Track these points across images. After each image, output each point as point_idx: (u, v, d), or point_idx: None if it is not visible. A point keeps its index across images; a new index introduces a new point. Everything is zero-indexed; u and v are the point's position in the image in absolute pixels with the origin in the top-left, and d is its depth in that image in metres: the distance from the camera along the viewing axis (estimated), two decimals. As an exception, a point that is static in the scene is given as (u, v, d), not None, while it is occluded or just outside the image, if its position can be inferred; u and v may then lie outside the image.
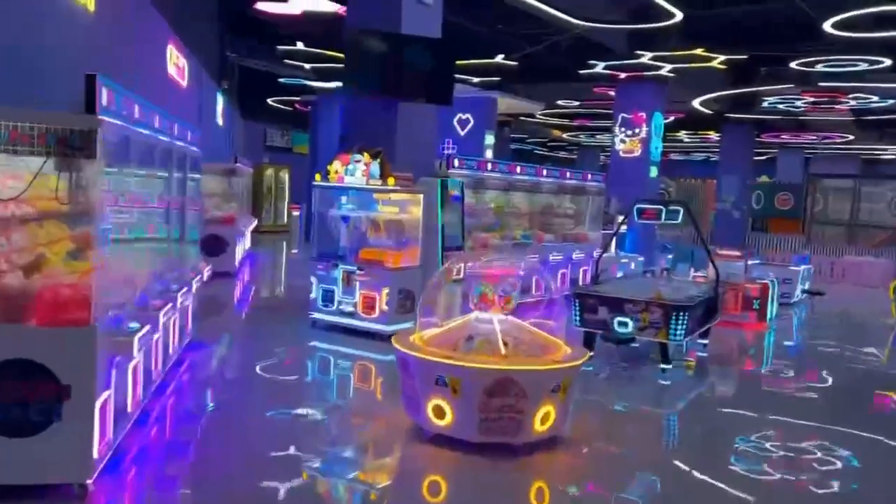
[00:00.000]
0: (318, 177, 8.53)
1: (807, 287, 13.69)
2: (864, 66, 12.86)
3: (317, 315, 8.59)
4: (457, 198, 9.02)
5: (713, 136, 25.80)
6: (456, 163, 9.55)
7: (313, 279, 8.59)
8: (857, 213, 25.71)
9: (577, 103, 19.88)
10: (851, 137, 24.27)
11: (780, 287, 12.22)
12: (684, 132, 26.93)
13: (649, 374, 7.64)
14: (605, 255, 14.94)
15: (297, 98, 21.75)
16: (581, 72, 14.81)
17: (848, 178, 26.63)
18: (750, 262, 14.03)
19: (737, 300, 10.70)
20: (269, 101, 22.90)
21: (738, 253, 10.70)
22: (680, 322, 7.28)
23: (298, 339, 8.33)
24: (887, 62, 12.43)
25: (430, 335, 5.21)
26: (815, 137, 25.06)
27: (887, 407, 7.66)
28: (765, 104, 17.98)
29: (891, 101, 16.41)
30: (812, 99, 16.74)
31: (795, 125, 22.23)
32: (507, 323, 5.19)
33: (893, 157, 28.20)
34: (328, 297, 8.45)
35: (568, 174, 12.51)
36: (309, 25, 12.24)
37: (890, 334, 11.54)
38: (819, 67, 13.14)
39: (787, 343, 10.89)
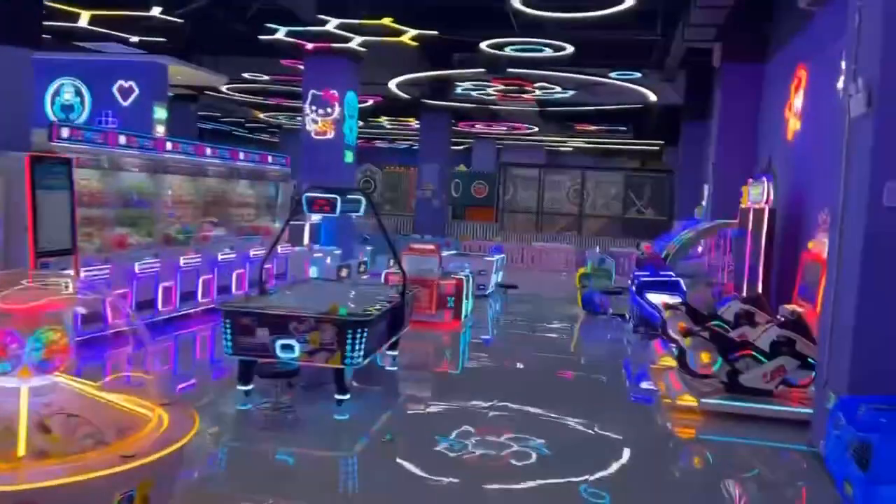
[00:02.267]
0: None
1: (500, 280, 13.35)
2: (548, 52, 12.77)
3: None
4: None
5: (414, 123, 25.48)
6: (65, 133, 6.96)
7: None
8: (543, 202, 27.40)
9: (266, 78, 17.78)
10: (536, 129, 25.57)
11: (475, 280, 11.58)
12: (386, 118, 26.28)
13: (324, 409, 6.03)
14: (297, 249, 13.25)
15: None
16: (261, 37, 12.79)
17: (534, 168, 28.27)
18: (446, 254, 13.37)
19: (431, 299, 9.65)
20: None
21: (431, 247, 9.64)
22: (357, 341, 5.77)
23: None
24: (570, 49, 12.43)
25: None
26: (505, 128, 26.00)
27: (569, 384, 7.79)
28: (458, 90, 17.67)
29: (571, 93, 17.03)
30: (502, 87, 16.74)
31: (488, 115, 22.65)
32: (55, 391, 3.11)
33: (571, 149, 30.66)
34: None
35: (241, 155, 10.45)
36: None
37: (577, 322, 11.49)
38: (508, 51, 12.78)
39: (483, 338, 10.18)
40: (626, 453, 5.48)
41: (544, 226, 27.27)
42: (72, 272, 6.46)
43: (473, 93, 18.03)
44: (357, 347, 5.77)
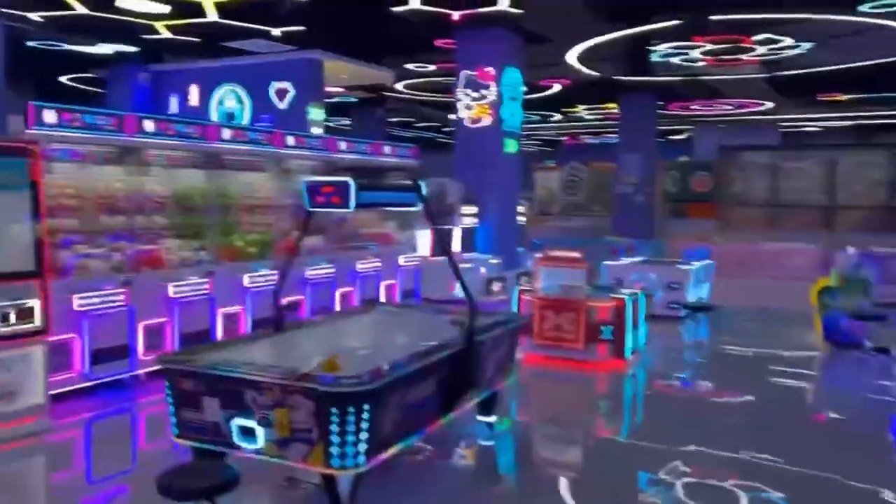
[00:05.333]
0: None
1: (701, 296, 9.91)
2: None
3: None
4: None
5: (616, 110, 22.24)
6: (50, 116, 5.34)
7: None
8: (779, 192, 22.53)
9: (431, 67, 15.89)
10: (770, 105, 21.00)
11: (655, 298, 8.51)
12: (583, 107, 23.33)
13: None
14: (443, 259, 11.07)
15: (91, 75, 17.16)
16: (394, 9, 10.81)
17: (767, 152, 23.43)
18: (627, 261, 10.34)
19: (578, 328, 6.84)
20: (67, 80, 18.22)
21: (575, 255, 6.83)
22: (351, 426, 3.30)
23: None
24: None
25: None
26: (730, 107, 21.72)
27: (822, 427, 5.72)
28: (655, 56, 14.30)
29: (807, 46, 12.89)
30: (710, 46, 13.12)
31: (704, 91, 18.73)
32: None
33: (818, 128, 25.17)
34: None
35: (343, 145, 8.44)
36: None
37: (814, 361, 7.89)
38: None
39: (667, 382, 7.09)
40: None
41: (782, 221, 22.36)
42: (34, 302, 4.78)
43: (673, 59, 14.55)
44: (352, 437, 3.30)
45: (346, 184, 3.89)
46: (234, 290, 6.80)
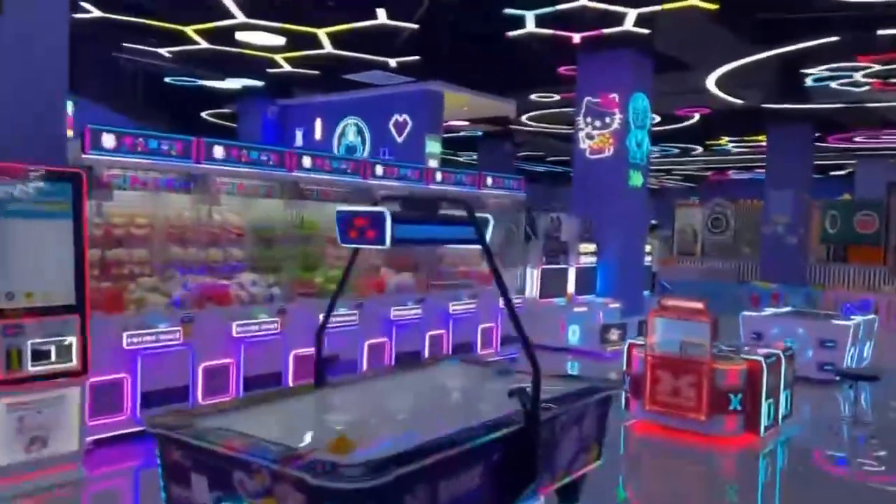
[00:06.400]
0: None
1: (863, 357, 8.27)
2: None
3: None
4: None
5: (765, 142, 20.28)
6: (109, 141, 5.03)
7: None
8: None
9: (556, 97, 15.03)
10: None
11: (807, 356, 7.10)
12: (727, 139, 21.51)
13: None
14: (556, 301, 10.12)
15: (226, 110, 17.82)
16: (510, 34, 10.12)
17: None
18: (769, 312, 8.90)
19: (700, 394, 5.67)
20: (205, 114, 19.09)
21: (698, 305, 5.68)
22: (348, 534, 2.49)
23: None
24: None
25: None
26: (900, 138, 19.16)
27: None
28: (809, 81, 12.62)
29: None
30: (876, 67, 11.36)
31: (868, 119, 16.54)
32: None
33: None
34: None
35: (439, 176, 7.76)
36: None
37: None
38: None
39: (816, 462, 5.76)
40: None
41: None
42: (72, 339, 4.41)
43: (832, 84, 12.80)
44: (351, 547, 2.50)
45: (380, 215, 3.15)
46: (308, 329, 6.24)
